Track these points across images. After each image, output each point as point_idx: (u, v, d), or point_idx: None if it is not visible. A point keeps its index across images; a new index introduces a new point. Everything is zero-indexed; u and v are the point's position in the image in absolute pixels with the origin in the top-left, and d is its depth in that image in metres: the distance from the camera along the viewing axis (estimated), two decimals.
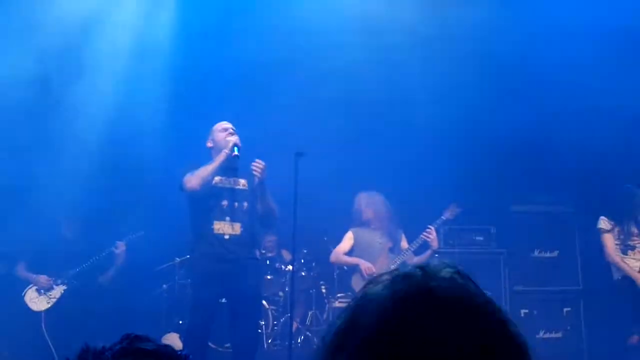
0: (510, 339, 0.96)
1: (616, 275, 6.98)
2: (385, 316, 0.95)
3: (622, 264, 6.92)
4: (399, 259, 6.99)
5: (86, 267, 7.15)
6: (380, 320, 0.94)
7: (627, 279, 6.88)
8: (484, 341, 0.92)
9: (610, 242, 7.00)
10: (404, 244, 7.17)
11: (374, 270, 6.81)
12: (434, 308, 0.94)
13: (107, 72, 7.76)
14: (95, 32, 7.75)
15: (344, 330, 0.98)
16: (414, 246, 7.01)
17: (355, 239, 7.21)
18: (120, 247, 7.19)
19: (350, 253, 7.19)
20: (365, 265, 6.89)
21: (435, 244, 6.92)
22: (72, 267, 7.12)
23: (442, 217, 7.13)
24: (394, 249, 7.11)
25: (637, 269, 6.89)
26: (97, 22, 7.74)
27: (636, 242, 6.97)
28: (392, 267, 6.71)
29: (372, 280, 1.03)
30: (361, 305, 0.99)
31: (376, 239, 7.12)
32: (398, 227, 7.23)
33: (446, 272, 1.00)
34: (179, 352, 1.67)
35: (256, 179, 5.89)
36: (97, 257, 7.14)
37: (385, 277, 1.02)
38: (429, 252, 6.93)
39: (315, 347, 0.94)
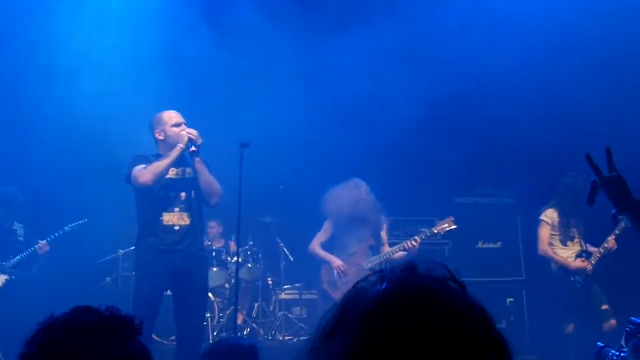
0: (497, 343, 0.99)
1: (553, 266, 7.12)
2: (373, 311, 0.95)
3: (552, 255, 7.06)
4: (376, 259, 6.83)
5: (23, 258, 7.00)
6: (367, 315, 0.95)
7: (562, 269, 7.02)
8: (472, 342, 0.95)
9: (543, 233, 7.13)
10: (384, 235, 7.03)
11: (345, 268, 6.78)
12: (424, 305, 0.94)
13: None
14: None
15: (332, 324, 0.99)
16: (394, 252, 6.79)
17: (333, 231, 7.06)
18: (43, 247, 7.08)
19: (327, 243, 7.05)
20: (337, 263, 6.83)
21: (415, 252, 6.68)
22: (10, 256, 6.98)
23: (433, 229, 6.81)
24: (375, 246, 6.95)
25: (571, 257, 7.02)
26: None
27: (575, 232, 7.11)
28: (368, 266, 6.74)
29: (363, 279, 1.03)
30: (350, 302, 0.99)
31: (356, 233, 6.94)
32: (381, 218, 7.04)
33: (438, 272, 1.01)
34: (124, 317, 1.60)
35: (192, 148, 5.66)
36: (25, 254, 7.03)
37: (374, 275, 1.02)
38: (402, 253, 6.74)
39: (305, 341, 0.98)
